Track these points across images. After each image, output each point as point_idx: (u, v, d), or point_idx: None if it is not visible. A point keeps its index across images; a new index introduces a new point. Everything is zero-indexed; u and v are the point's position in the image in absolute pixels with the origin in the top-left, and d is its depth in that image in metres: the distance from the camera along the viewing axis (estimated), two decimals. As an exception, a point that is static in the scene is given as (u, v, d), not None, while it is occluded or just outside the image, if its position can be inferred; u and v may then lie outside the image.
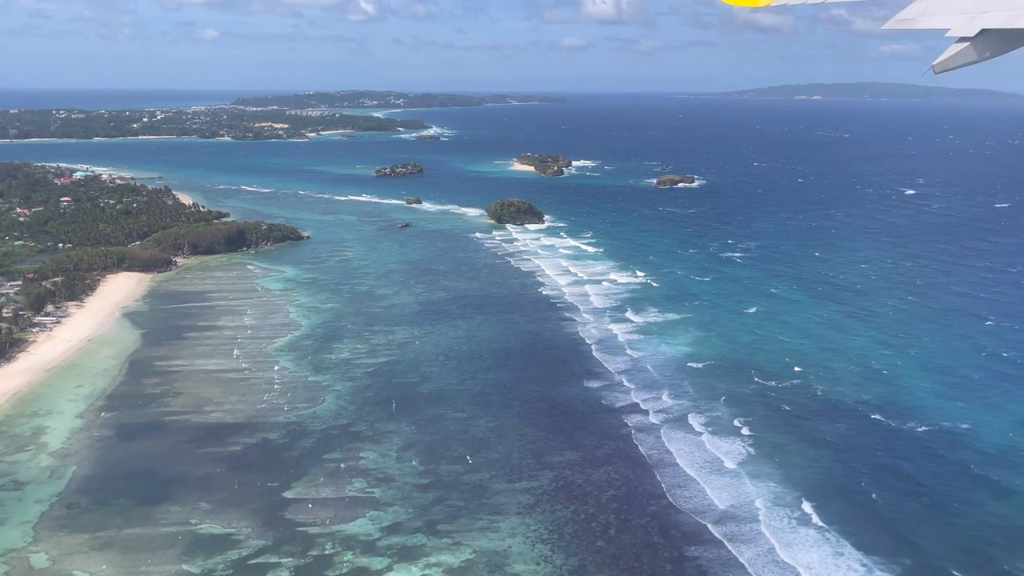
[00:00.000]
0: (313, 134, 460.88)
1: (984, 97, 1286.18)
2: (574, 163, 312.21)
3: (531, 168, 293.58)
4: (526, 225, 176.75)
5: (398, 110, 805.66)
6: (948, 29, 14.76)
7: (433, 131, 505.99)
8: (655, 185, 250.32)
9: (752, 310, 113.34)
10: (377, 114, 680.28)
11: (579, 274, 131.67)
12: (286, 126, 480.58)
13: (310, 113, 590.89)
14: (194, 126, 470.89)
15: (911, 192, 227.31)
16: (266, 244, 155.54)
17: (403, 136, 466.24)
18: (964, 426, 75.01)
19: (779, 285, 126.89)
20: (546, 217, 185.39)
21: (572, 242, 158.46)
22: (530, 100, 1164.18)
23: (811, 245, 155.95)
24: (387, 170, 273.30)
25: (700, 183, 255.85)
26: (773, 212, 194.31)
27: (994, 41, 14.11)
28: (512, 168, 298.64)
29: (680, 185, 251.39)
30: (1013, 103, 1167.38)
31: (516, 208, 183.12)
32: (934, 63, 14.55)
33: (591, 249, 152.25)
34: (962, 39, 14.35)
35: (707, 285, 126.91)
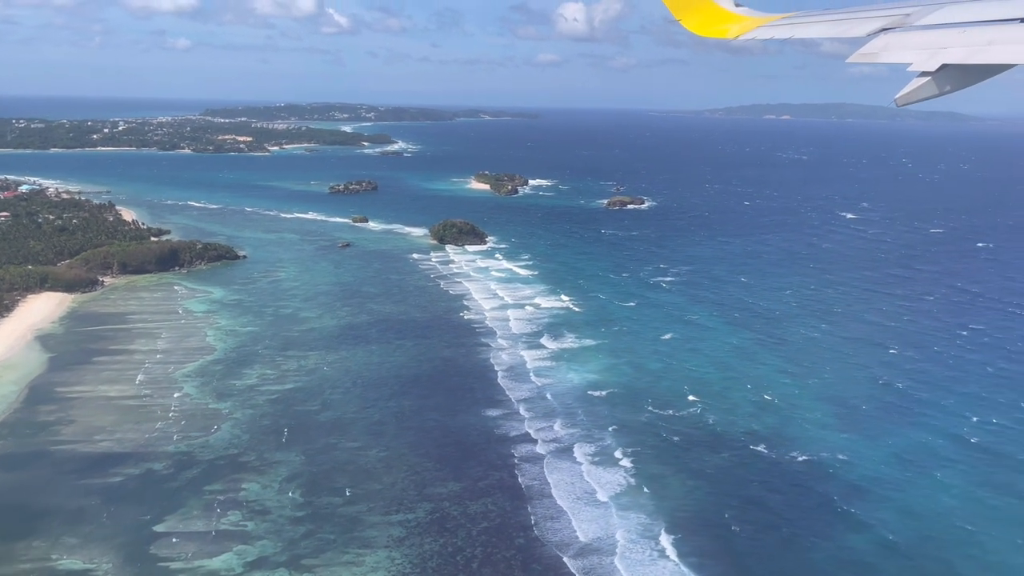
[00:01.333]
0: (276, 147, 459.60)
1: (948, 120, 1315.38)
2: (531, 181, 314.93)
3: (487, 186, 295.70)
4: (466, 246, 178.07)
5: (368, 123, 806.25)
6: (910, 64, 15.13)
7: (398, 146, 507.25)
8: (605, 206, 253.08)
9: (667, 336, 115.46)
10: (346, 128, 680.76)
11: (506, 298, 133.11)
12: (250, 139, 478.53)
13: (276, 126, 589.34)
14: (155, 138, 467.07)
15: (851, 216, 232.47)
16: (200, 264, 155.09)
17: (367, 151, 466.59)
18: (841, 457, 77.26)
19: (699, 312, 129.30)
20: (489, 238, 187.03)
21: (507, 264, 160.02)
22: (503, 115, 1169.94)
23: (741, 270, 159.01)
24: (341, 187, 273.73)
25: (650, 204, 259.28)
26: (712, 236, 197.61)
27: (954, 76, 14.49)
28: (468, 186, 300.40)
29: (630, 207, 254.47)
30: (974, 126, 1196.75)
31: (458, 229, 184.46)
32: (896, 96, 14.89)
33: (524, 272, 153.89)
34: (923, 73, 14.71)
35: (629, 311, 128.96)
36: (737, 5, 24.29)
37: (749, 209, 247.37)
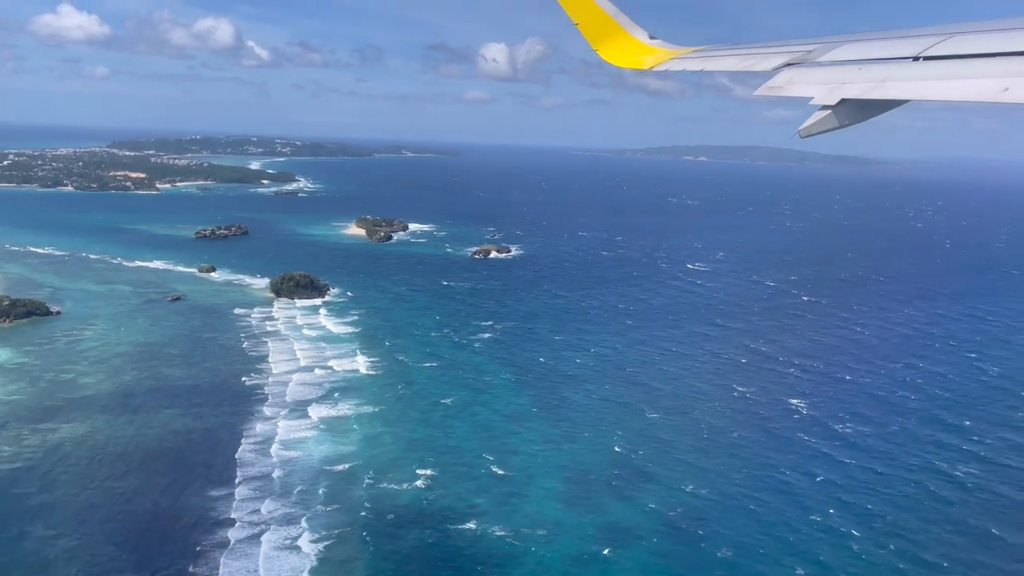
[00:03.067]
0: (168, 185, 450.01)
1: (851, 164, 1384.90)
2: (412, 226, 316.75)
3: (363, 232, 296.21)
4: (299, 300, 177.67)
5: (282, 159, 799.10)
6: (812, 97, 15.74)
7: (299, 185, 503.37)
8: (470, 255, 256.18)
9: (448, 401, 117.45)
10: (255, 163, 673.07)
11: (303, 360, 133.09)
12: (142, 175, 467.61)
13: (177, 161, 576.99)
14: (40, 173, 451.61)
15: (700, 268, 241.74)
16: (4, 321, 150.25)
17: (263, 190, 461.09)
18: (540, 533, 79.75)
19: (494, 373, 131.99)
20: (330, 291, 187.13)
21: (329, 322, 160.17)
22: (426, 152, 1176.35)
23: (559, 327, 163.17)
24: (208, 231, 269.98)
25: (517, 253, 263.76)
26: (554, 289, 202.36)
27: (852, 110, 15.07)
28: (345, 231, 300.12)
29: (493, 255, 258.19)
30: (876, 170, 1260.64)
31: (295, 282, 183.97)
32: (800, 128, 15.45)
33: (342, 330, 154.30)
34: (824, 107, 15.30)
35: (426, 373, 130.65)
36: (651, 38, 25.07)
37: (606, 260, 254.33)
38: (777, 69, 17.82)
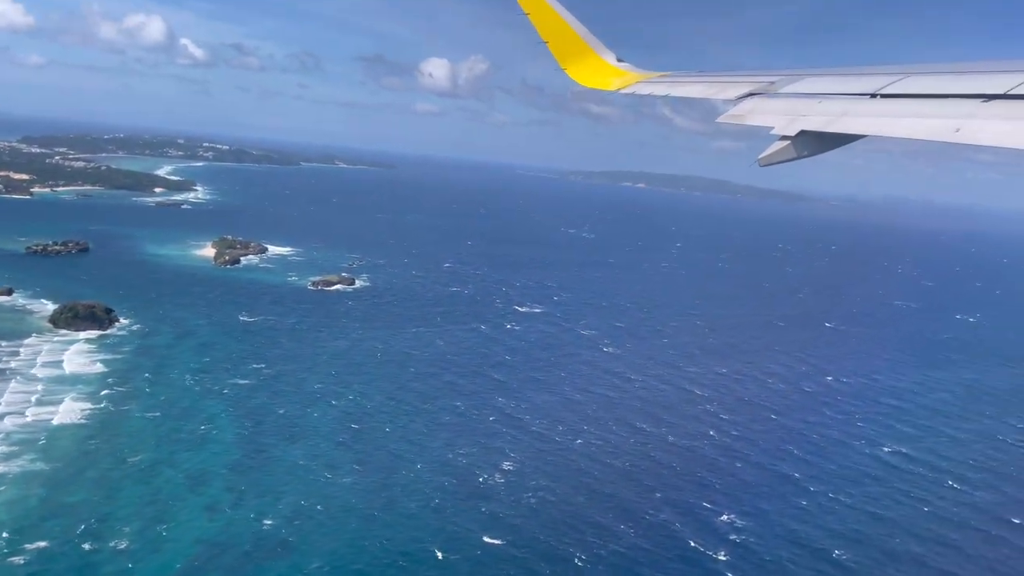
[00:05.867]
0: (46, 190, 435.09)
1: (783, 200, 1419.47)
2: (272, 249, 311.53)
3: (213, 253, 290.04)
4: (78, 332, 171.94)
5: (199, 163, 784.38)
6: (772, 127, 15.97)
7: (191, 195, 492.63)
8: (309, 286, 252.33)
9: (135, 459, 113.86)
10: (165, 167, 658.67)
11: (2, 407, 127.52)
12: (25, 177, 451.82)
13: (74, 163, 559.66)
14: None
15: (528, 309, 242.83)
16: None
17: (148, 199, 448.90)
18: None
19: (219, 426, 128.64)
20: (118, 323, 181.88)
21: (82, 360, 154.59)
22: (360, 164, 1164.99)
23: (331, 372, 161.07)
24: (41, 246, 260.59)
25: (360, 285, 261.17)
26: (365, 328, 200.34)
27: (811, 142, 15.25)
28: (196, 252, 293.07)
29: (335, 287, 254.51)
30: (804, 207, 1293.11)
31: (74, 313, 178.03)
32: (759, 157, 15.72)
33: (89, 370, 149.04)
34: (784, 137, 15.52)
35: (141, 423, 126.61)
36: (619, 60, 24.79)
37: (447, 296, 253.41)
38: (741, 98, 18.21)
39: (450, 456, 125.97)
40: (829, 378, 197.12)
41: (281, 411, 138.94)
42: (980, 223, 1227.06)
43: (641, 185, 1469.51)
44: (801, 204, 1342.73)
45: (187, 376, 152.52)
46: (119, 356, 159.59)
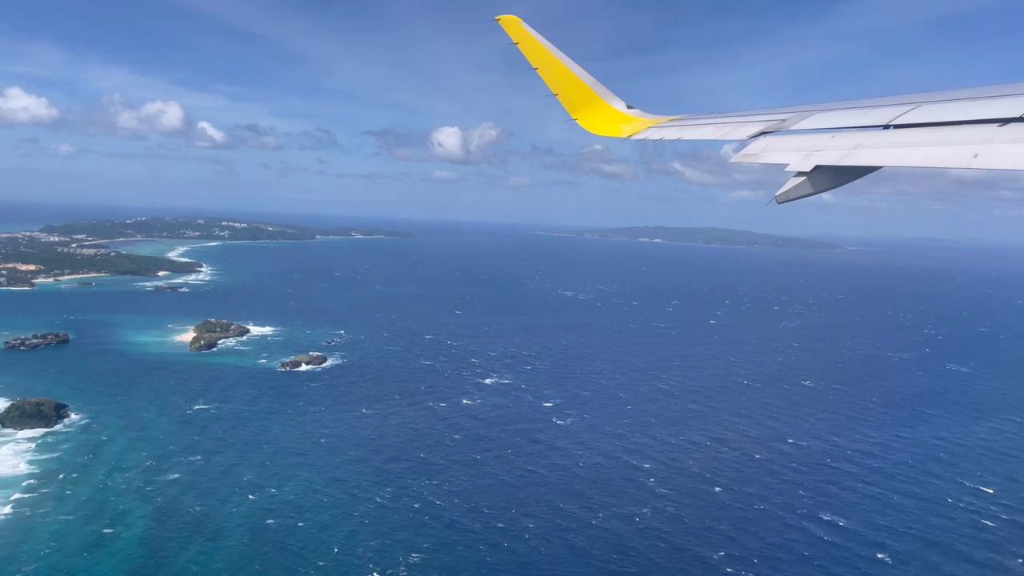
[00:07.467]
0: (50, 280, 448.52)
1: (800, 247, 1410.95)
2: (253, 330, 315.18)
3: (192, 338, 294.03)
4: (23, 431, 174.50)
5: (215, 243, 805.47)
6: (787, 164, 15.83)
7: (193, 277, 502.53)
8: (278, 368, 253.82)
9: (30, 568, 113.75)
10: (178, 249, 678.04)
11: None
12: (32, 268, 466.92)
13: (84, 251, 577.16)
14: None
15: (491, 381, 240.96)
16: None
17: (147, 284, 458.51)
18: None
19: (128, 521, 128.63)
20: (68, 418, 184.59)
21: (16, 461, 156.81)
22: (375, 233, 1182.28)
23: (262, 464, 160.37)
24: (19, 341, 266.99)
25: (332, 363, 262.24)
26: (314, 412, 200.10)
27: (826, 176, 15.19)
28: (177, 338, 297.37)
29: (304, 368, 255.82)
30: (820, 254, 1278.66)
31: (22, 411, 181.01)
32: (776, 194, 15.51)
33: (16, 472, 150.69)
34: (799, 173, 15.42)
35: (53, 527, 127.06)
36: (629, 107, 25.10)
37: (410, 373, 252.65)
38: (753, 137, 18.10)
39: (360, 550, 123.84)
40: (789, 441, 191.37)
41: (197, 508, 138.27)
42: (1007, 261, 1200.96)
43: (658, 240, 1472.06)
44: (817, 251, 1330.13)
45: (115, 475, 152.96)
46: (53, 455, 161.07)
